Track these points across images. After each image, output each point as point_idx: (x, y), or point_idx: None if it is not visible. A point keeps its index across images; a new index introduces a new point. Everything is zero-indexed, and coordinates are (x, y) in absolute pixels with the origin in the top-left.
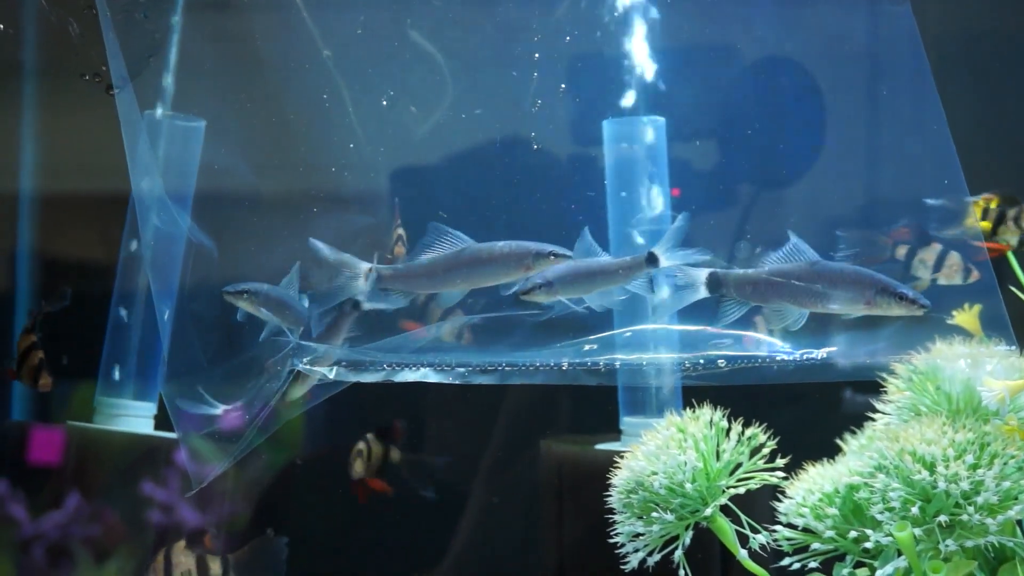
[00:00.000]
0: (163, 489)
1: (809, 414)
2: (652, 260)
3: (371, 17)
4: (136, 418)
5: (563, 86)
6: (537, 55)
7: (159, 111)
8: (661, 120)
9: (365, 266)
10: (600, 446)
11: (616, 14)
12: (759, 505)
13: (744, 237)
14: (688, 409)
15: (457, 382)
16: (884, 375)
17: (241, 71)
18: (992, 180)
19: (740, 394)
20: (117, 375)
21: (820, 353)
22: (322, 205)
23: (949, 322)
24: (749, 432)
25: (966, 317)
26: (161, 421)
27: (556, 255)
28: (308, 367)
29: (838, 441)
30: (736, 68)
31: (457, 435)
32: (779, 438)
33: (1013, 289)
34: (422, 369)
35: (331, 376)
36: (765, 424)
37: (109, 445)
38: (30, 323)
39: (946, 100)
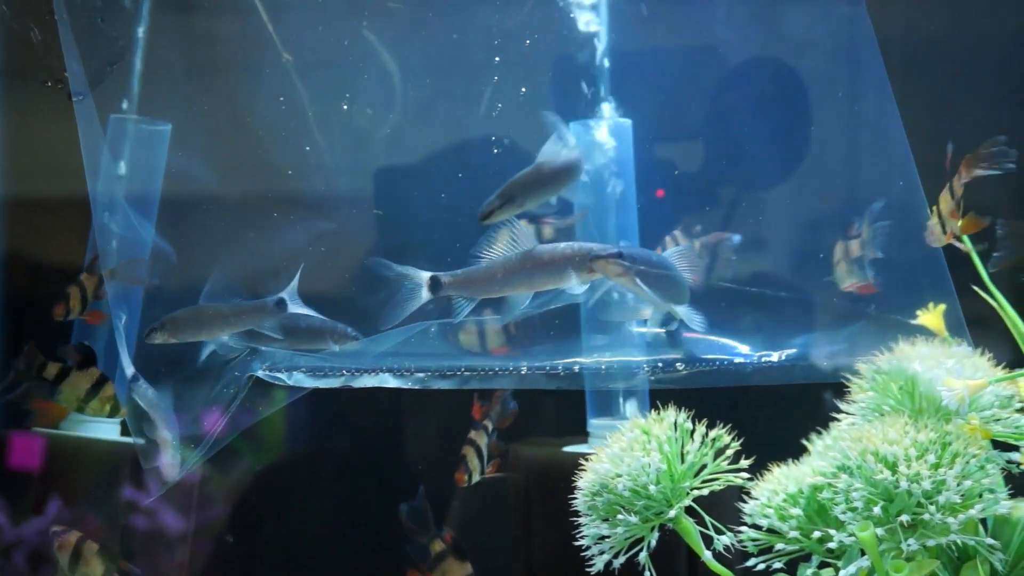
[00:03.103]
0: (144, 494)
1: (784, 414)
2: (281, 304)
3: (331, 21)
4: (103, 423)
5: (523, 90)
6: (498, 59)
7: (124, 114)
8: (627, 122)
9: (426, 275)
10: (568, 448)
11: (573, 16)
12: (727, 506)
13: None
14: (653, 411)
15: (416, 387)
16: (847, 376)
17: (202, 75)
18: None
19: (715, 395)
20: None
21: (777, 355)
22: (282, 209)
23: (912, 322)
24: (713, 433)
25: (930, 317)
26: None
27: (622, 256)
28: (267, 373)
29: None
30: (693, 70)
31: (430, 439)
32: (753, 438)
33: (976, 289)
34: (381, 374)
35: (289, 382)
36: (739, 425)
37: (90, 451)
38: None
39: (903, 100)
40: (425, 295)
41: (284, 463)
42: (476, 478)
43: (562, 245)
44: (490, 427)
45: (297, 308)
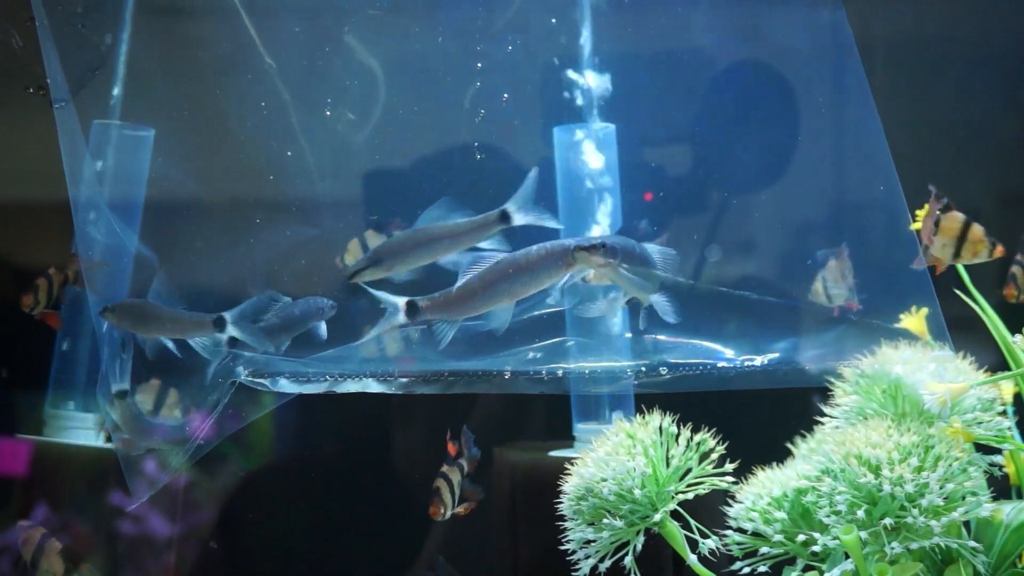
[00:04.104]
0: (130, 500)
1: (769, 417)
2: (219, 323)
3: (314, 27)
4: (85, 430)
5: (506, 95)
6: (480, 64)
7: (108, 120)
8: (611, 127)
9: (402, 301)
10: (553, 453)
11: (554, 22)
12: (712, 510)
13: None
14: (638, 415)
15: (400, 393)
16: (831, 379)
17: (185, 80)
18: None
19: (701, 399)
20: (66, 386)
21: (760, 360)
22: (265, 214)
23: (895, 326)
24: (698, 437)
25: (912, 321)
26: None
27: (605, 246)
28: (250, 379)
29: (789, 445)
30: (675, 75)
31: (418, 444)
32: (738, 442)
33: (958, 292)
34: (364, 380)
35: (272, 388)
36: (725, 428)
37: (76, 457)
38: None
39: (883, 105)
40: (402, 319)
41: (270, 468)
42: (448, 514)
43: (535, 248)
44: (465, 466)
45: (237, 332)
